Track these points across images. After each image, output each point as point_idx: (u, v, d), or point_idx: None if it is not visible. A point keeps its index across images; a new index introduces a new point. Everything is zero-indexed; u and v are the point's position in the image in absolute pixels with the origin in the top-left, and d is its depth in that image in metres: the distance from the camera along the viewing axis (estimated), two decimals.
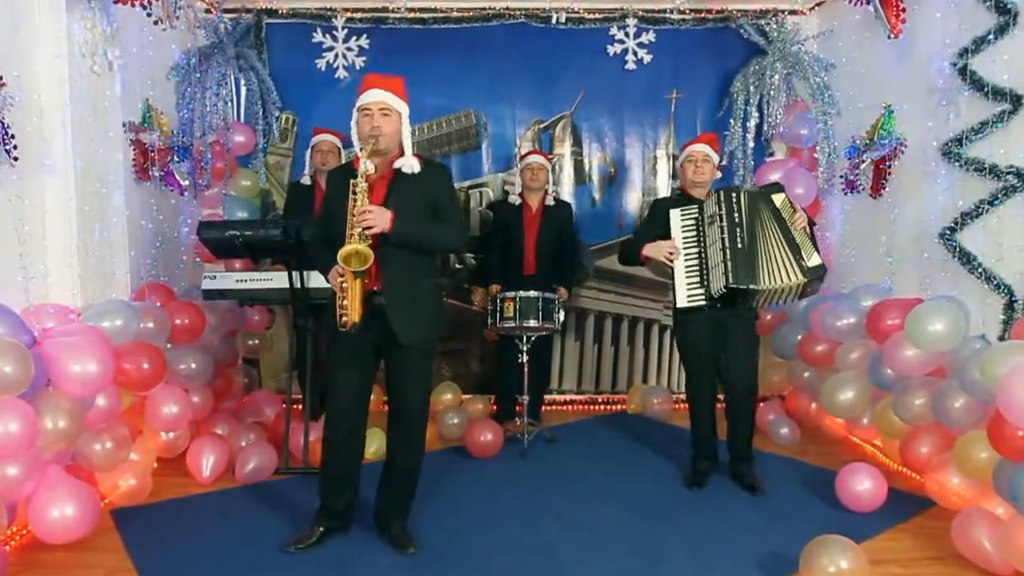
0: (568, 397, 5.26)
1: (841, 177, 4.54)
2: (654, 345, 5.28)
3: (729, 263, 3.34)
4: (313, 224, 2.82)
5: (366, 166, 2.62)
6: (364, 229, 2.57)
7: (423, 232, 2.75)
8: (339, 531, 2.96)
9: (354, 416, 2.85)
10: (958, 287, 3.51)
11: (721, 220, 3.39)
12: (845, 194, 4.51)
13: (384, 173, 2.74)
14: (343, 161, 4.43)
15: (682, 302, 3.49)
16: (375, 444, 3.83)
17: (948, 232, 3.55)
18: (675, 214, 3.54)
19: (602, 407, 5.24)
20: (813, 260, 3.32)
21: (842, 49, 4.67)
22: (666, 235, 3.55)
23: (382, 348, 2.81)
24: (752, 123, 4.88)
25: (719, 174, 3.72)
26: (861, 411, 4.01)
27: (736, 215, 3.38)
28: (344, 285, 2.61)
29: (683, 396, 5.10)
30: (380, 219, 2.60)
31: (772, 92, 4.78)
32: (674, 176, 5.19)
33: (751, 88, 4.85)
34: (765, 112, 4.85)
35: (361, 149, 2.65)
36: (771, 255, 3.34)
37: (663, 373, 5.30)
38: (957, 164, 3.50)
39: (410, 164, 2.72)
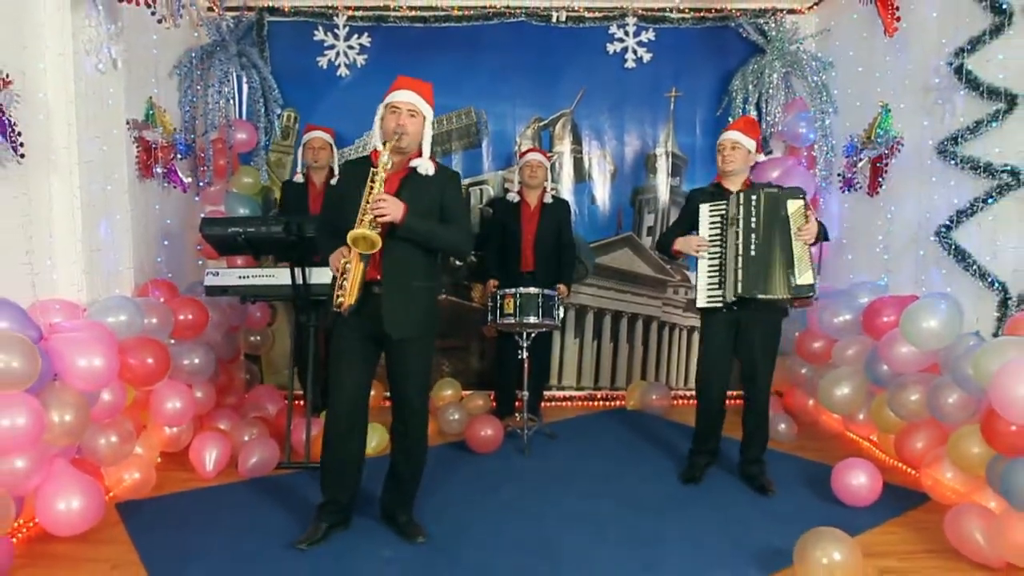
0: (567, 393, 5.30)
1: (839, 175, 4.57)
2: (653, 342, 5.32)
3: (741, 271, 3.38)
4: (322, 212, 2.99)
5: (388, 158, 2.69)
6: (376, 216, 2.64)
7: (430, 229, 2.81)
8: (341, 526, 3.00)
9: (355, 409, 2.90)
10: (953, 284, 3.55)
11: (738, 224, 3.41)
12: (843, 192, 4.54)
13: (399, 170, 2.83)
14: (335, 157, 4.63)
15: (701, 302, 3.53)
16: (376, 439, 3.88)
17: (944, 230, 3.58)
18: (703, 210, 3.56)
19: (601, 403, 5.28)
20: (804, 278, 3.32)
21: (840, 48, 4.70)
22: (697, 228, 3.57)
23: (382, 342, 2.87)
24: None
25: (761, 157, 3.66)
26: (857, 407, 4.05)
27: (753, 219, 3.38)
28: (348, 266, 2.69)
29: (681, 392, 5.27)
30: (394, 208, 2.67)
31: (771, 91, 4.83)
32: (674, 174, 5.23)
33: (750, 87, 4.89)
34: (764, 111, 4.89)
35: (384, 143, 2.73)
36: (773, 264, 3.36)
37: (662, 369, 5.34)
38: (953, 162, 3.53)
39: (425, 166, 2.82)
